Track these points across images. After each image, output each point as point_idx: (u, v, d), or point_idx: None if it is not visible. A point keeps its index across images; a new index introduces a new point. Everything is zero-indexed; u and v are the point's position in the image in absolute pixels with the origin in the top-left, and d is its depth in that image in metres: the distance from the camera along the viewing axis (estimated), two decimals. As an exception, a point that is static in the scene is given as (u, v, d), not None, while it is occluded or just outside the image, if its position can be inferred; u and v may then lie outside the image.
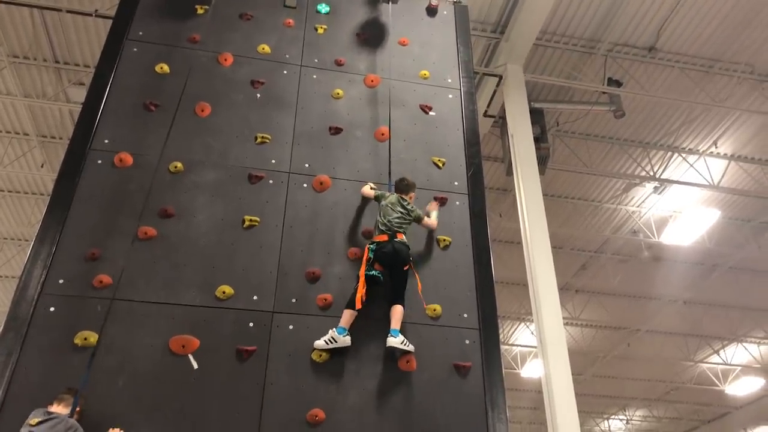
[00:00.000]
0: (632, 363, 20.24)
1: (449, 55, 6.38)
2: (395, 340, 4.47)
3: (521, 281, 12.38)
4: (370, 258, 4.71)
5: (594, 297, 17.56)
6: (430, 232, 5.19)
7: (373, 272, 4.69)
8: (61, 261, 4.48)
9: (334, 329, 4.51)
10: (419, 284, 4.79)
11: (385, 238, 4.77)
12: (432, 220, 5.12)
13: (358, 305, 4.50)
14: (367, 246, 4.80)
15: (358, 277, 4.68)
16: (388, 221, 4.82)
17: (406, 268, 4.78)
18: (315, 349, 4.51)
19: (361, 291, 4.53)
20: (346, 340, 4.50)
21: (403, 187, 5.11)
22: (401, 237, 4.81)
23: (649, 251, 15.58)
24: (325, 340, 4.49)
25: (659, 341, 19.20)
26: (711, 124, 12.46)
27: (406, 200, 5.01)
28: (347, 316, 4.54)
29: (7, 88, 11.31)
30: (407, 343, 4.52)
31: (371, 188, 5.20)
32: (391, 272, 4.78)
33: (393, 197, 4.98)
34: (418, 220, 5.01)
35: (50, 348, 4.16)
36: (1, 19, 10.20)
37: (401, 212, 4.89)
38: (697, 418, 24.41)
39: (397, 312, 4.61)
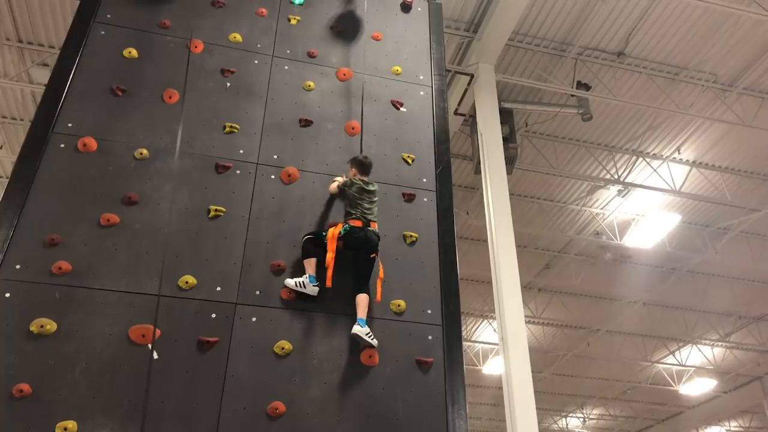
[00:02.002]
0: (591, 362, 20.66)
1: (422, 51, 6.40)
2: (361, 330, 4.49)
3: (485, 279, 12.54)
4: (341, 233, 4.74)
5: (556, 296, 17.86)
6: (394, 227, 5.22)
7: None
8: (18, 246, 4.36)
9: (306, 276, 4.62)
10: (381, 274, 4.81)
11: (359, 223, 4.81)
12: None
13: (329, 283, 4.59)
14: (341, 224, 4.83)
15: (320, 236, 4.75)
16: (362, 211, 4.87)
17: (372, 256, 4.81)
18: (285, 286, 4.62)
19: (331, 259, 4.63)
20: (314, 290, 4.61)
21: (368, 167, 5.13)
22: (374, 226, 4.87)
23: (611, 253, 15.90)
24: (296, 282, 4.60)
25: (618, 341, 19.63)
26: (675, 131, 12.77)
27: (369, 184, 5.03)
28: (312, 264, 4.67)
29: (-33, 65, 10.96)
30: (372, 337, 4.54)
31: (336, 182, 5.17)
32: (357, 259, 4.80)
33: (358, 182, 4.99)
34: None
35: (4, 335, 4.05)
36: (-39, -6, 9.87)
37: (369, 199, 4.95)
38: (652, 417, 25.08)
39: (362, 301, 4.64)
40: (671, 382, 21.43)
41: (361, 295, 4.67)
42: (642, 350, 19.97)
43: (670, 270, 16.44)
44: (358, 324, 4.51)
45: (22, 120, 12.09)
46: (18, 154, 4.79)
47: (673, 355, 20.36)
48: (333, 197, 5.23)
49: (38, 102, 5.16)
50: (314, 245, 4.79)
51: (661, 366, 20.91)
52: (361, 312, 4.59)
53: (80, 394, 3.99)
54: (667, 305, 18.10)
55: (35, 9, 10.18)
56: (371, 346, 4.55)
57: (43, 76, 10.60)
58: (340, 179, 5.16)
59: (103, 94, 5.20)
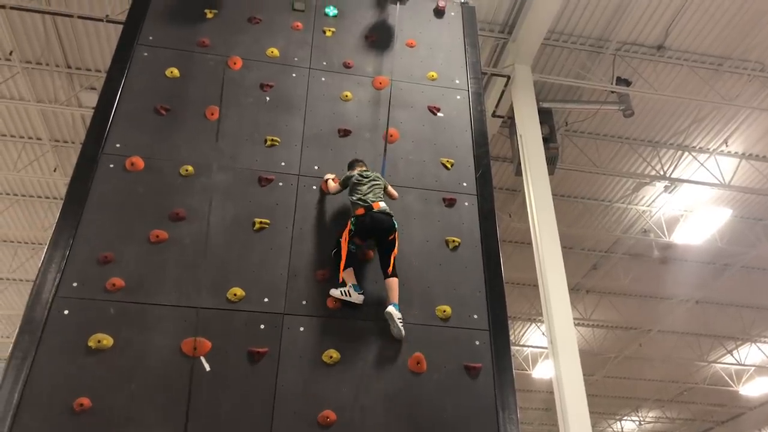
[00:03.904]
0: (644, 363, 20.13)
1: (457, 56, 6.39)
2: (396, 313, 4.53)
3: (532, 282, 12.36)
4: (351, 230, 4.76)
5: (605, 297, 17.50)
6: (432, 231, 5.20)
7: (352, 248, 4.76)
8: (74, 264, 4.52)
9: (351, 285, 4.63)
10: (395, 250, 4.78)
11: (362, 211, 4.80)
12: (393, 191, 5.15)
13: (341, 277, 4.64)
14: (350, 220, 4.85)
15: (339, 245, 4.76)
16: (359, 197, 4.86)
17: (391, 238, 4.78)
18: (330, 296, 4.65)
19: (344, 260, 4.66)
20: (360, 298, 4.64)
21: (354, 163, 5.20)
22: (378, 206, 4.82)
23: (660, 251, 15.50)
24: (340, 291, 4.63)
25: (671, 341, 19.09)
26: (721, 123, 12.40)
27: (367, 172, 5.06)
28: (351, 275, 4.69)
29: (20, 93, 11.45)
30: (402, 324, 4.54)
31: (333, 180, 5.17)
32: (379, 246, 4.83)
33: (354, 173, 5.03)
34: (385, 188, 5.06)
35: (64, 351, 4.20)
36: (13, 26, 10.33)
37: (369, 182, 4.94)
38: (711, 419, 24.24)
39: (393, 285, 4.66)
40: (730, 382, 20.70)
41: (390, 280, 4.68)
42: (697, 350, 19.36)
43: (722, 266, 15.91)
44: (393, 306, 4.56)
45: (73, 143, 12.55)
46: (71, 176, 4.98)
47: (731, 354, 19.67)
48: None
49: (88, 125, 5.35)
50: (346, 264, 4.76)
51: (718, 366, 20.23)
52: (394, 296, 4.63)
53: (137, 407, 4.10)
54: (722, 302, 17.51)
55: (81, 35, 10.59)
56: (399, 332, 4.53)
57: (92, 99, 10.98)
58: (330, 175, 5.21)
59: (148, 113, 5.36)
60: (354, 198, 4.91)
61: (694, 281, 16.45)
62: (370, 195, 4.87)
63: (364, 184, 4.93)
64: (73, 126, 12.34)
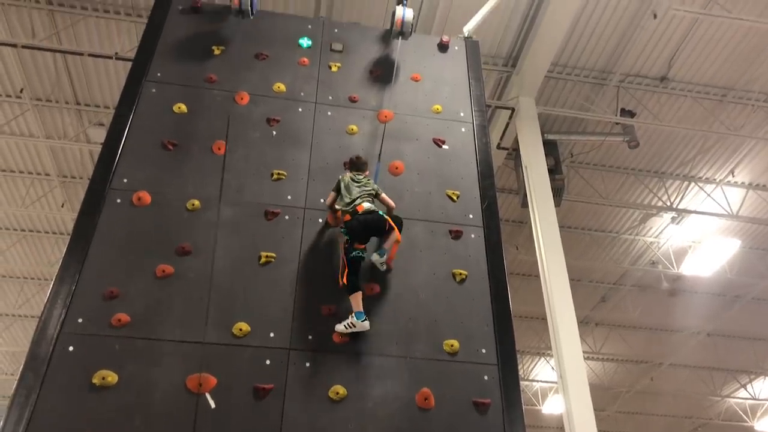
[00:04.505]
0: (656, 398, 19.75)
1: (461, 89, 6.44)
2: (377, 258, 4.84)
3: (540, 315, 12.26)
4: (347, 240, 4.83)
5: (614, 330, 17.28)
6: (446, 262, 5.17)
7: (355, 253, 4.80)
8: (80, 300, 4.50)
9: (353, 314, 4.59)
10: (398, 237, 4.90)
11: (348, 217, 4.90)
12: (388, 198, 5.18)
13: (341, 282, 4.74)
14: (340, 230, 4.95)
15: (342, 260, 4.84)
16: (350, 198, 4.94)
17: (387, 228, 4.89)
18: (336, 332, 4.62)
19: (344, 271, 4.74)
20: (365, 325, 4.59)
21: (360, 165, 5.27)
22: (362, 208, 4.87)
23: (669, 283, 15.36)
24: (345, 325, 4.60)
25: (683, 375, 18.77)
26: (727, 153, 12.40)
27: (360, 177, 5.14)
28: (358, 299, 4.65)
29: (30, 130, 11.60)
30: (385, 266, 4.87)
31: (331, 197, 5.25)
32: (379, 241, 5.02)
33: (346, 177, 5.11)
34: (377, 194, 5.11)
35: (69, 388, 4.15)
36: (25, 64, 10.52)
37: (358, 187, 5.01)
38: (726, 455, 23.65)
39: (391, 236, 4.87)
40: (745, 417, 20.25)
41: (393, 233, 4.90)
42: (710, 384, 19.01)
43: (733, 298, 15.72)
44: (377, 253, 4.85)
45: (81, 178, 12.65)
46: (78, 211, 4.99)
47: (745, 389, 19.29)
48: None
49: (96, 160, 5.39)
50: (353, 277, 4.78)
51: (732, 401, 19.82)
52: (387, 244, 4.88)
53: (140, 445, 4.03)
54: (734, 335, 17.26)
55: (91, 72, 10.76)
56: (383, 269, 4.87)
57: (100, 135, 11.13)
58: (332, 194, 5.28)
59: (156, 149, 5.40)
60: (341, 205, 4.99)
61: (704, 313, 16.24)
62: (357, 200, 4.94)
63: (354, 189, 5.01)
64: (81, 162, 12.45)
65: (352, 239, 4.83)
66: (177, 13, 6.38)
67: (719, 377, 18.94)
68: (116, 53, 9.74)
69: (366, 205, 4.90)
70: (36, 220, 13.90)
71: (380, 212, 4.92)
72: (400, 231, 4.94)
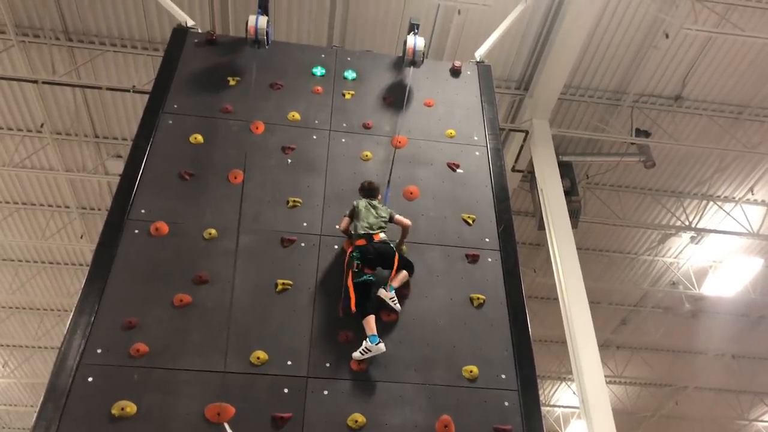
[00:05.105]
0: (682, 423, 19.29)
1: (474, 113, 6.47)
2: (385, 294, 4.73)
3: (560, 339, 12.06)
4: (358, 264, 4.87)
5: (636, 353, 16.97)
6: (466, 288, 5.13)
7: (365, 277, 4.85)
8: (99, 331, 4.52)
9: (367, 339, 4.57)
10: (407, 278, 4.97)
11: (363, 242, 4.93)
12: (402, 218, 5.20)
13: (353, 310, 4.70)
14: (349, 252, 4.95)
15: (347, 286, 4.82)
16: (367, 224, 4.99)
17: (395, 262, 4.93)
18: (353, 359, 4.58)
19: (353, 298, 4.72)
20: (380, 348, 4.57)
21: (372, 190, 5.31)
22: (378, 238, 4.95)
23: (690, 304, 15.10)
24: (360, 351, 4.57)
25: (709, 398, 18.32)
26: (745, 171, 12.27)
27: (375, 202, 5.19)
28: (371, 323, 4.64)
29: (50, 163, 11.79)
30: (396, 302, 4.79)
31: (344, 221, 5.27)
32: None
33: (362, 202, 5.16)
34: (392, 218, 5.15)
35: (88, 419, 4.15)
36: (45, 99, 10.74)
37: (375, 214, 5.06)
38: (758, 480, 22.96)
39: (401, 274, 4.87)
40: (775, 440, 19.70)
41: (402, 271, 4.94)
42: (737, 407, 18.53)
43: (758, 318, 15.41)
44: (383, 288, 4.79)
45: (99, 210, 12.80)
46: (97, 242, 5.04)
47: (773, 411, 18.81)
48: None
49: (114, 191, 5.46)
50: (363, 301, 4.79)
51: (761, 424, 19.29)
52: (396, 282, 4.87)
53: (159, 477, 4.00)
54: (760, 356, 16.87)
55: (109, 105, 10.96)
56: (394, 311, 4.80)
57: (118, 166, 11.28)
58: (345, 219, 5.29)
59: (173, 179, 5.46)
60: (356, 228, 5.01)
61: (728, 335, 15.92)
62: (370, 228, 4.99)
63: (371, 216, 5.05)
64: (99, 193, 12.62)
65: (363, 264, 4.88)
66: (192, 46, 6.52)
67: (746, 400, 18.48)
68: (134, 86, 9.93)
69: (382, 235, 5.01)
70: (56, 252, 14.06)
71: (392, 245, 5.03)
72: (410, 274, 5.02)
